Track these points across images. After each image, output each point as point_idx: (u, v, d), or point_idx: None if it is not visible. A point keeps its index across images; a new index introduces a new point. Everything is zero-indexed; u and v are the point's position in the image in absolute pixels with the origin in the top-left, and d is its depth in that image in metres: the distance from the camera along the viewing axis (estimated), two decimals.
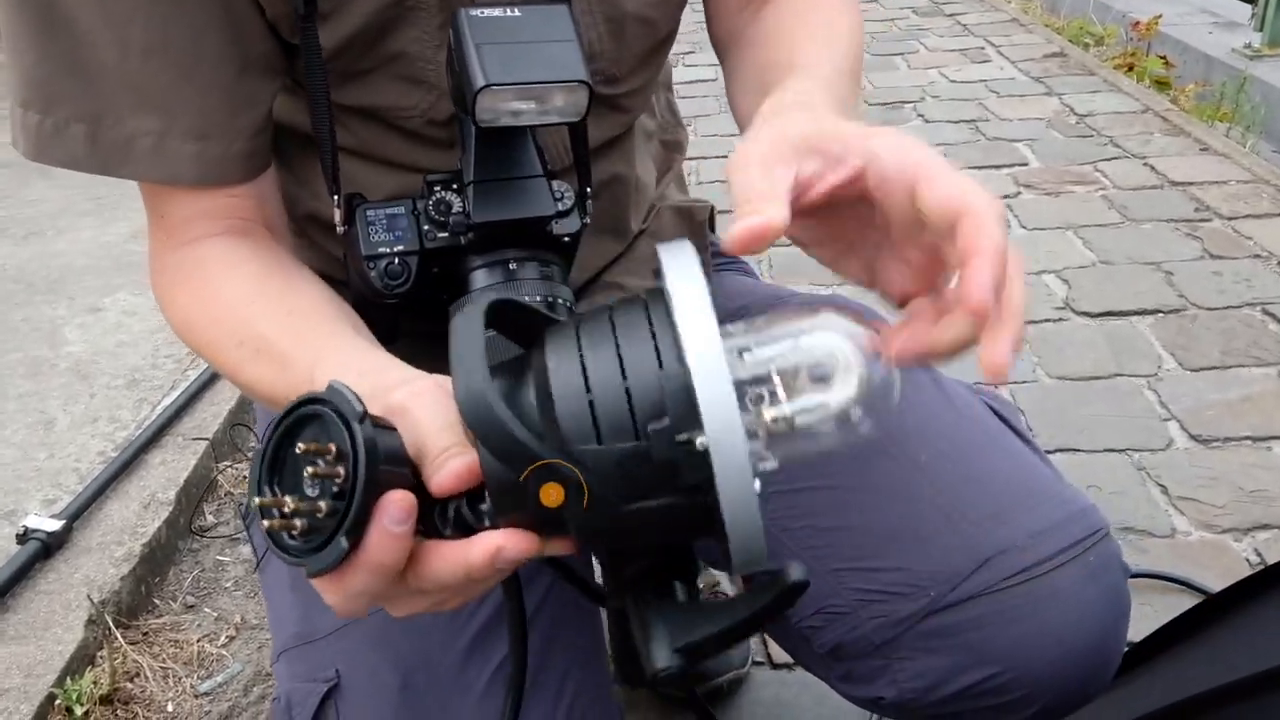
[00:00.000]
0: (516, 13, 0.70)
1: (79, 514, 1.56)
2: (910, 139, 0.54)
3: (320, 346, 0.69)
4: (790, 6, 0.86)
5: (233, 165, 0.75)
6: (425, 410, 0.55)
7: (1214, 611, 0.92)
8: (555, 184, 0.78)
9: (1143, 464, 1.59)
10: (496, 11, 0.69)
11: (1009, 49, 3.83)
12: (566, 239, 0.79)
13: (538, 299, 0.77)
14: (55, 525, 1.51)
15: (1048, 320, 2.02)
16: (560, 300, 0.78)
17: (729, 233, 0.51)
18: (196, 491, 1.71)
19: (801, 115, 0.62)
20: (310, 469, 0.50)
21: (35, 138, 0.71)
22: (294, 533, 0.50)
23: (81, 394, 1.89)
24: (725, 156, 3.06)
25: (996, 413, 0.90)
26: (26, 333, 2.12)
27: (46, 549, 1.48)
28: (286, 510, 0.50)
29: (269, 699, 1.34)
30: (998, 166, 2.76)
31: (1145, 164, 2.71)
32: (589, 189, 0.83)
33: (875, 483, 0.81)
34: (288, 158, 0.88)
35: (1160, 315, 2.00)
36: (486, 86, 0.65)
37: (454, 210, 0.77)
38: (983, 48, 3.87)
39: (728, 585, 1.40)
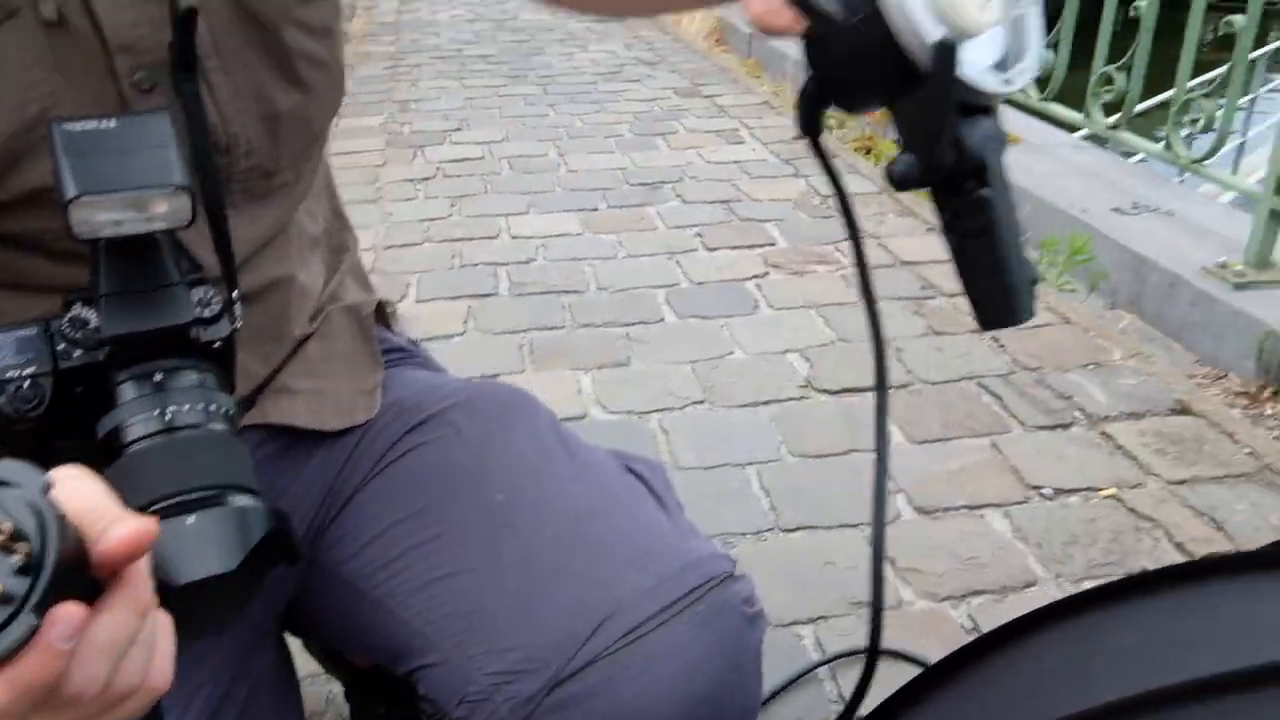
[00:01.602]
0: (111, 124, 0.68)
1: None
2: None
3: None
4: None
5: None
6: (78, 484, 0.50)
7: (926, 685, 0.98)
8: (199, 290, 0.76)
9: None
10: (91, 123, 0.67)
11: (760, 131, 4.02)
12: (217, 344, 0.77)
13: (198, 407, 0.75)
14: None
15: (791, 398, 2.11)
16: (219, 408, 0.76)
17: None
18: None
19: None
20: None
21: None
22: None
23: None
24: (495, 237, 3.04)
25: (637, 474, 0.91)
26: None
27: None
28: None
29: None
30: (750, 246, 2.88)
31: (880, 243, 2.89)
32: (235, 293, 0.80)
33: (502, 561, 0.81)
34: None
35: (891, 390, 2.14)
36: (76, 198, 0.65)
37: (88, 324, 0.74)
38: (737, 129, 4.04)
39: None
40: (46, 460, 0.74)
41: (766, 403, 2.09)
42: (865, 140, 3.82)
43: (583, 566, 0.82)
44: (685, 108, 4.36)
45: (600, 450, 0.93)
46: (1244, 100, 7.25)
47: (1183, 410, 2.03)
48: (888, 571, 1.61)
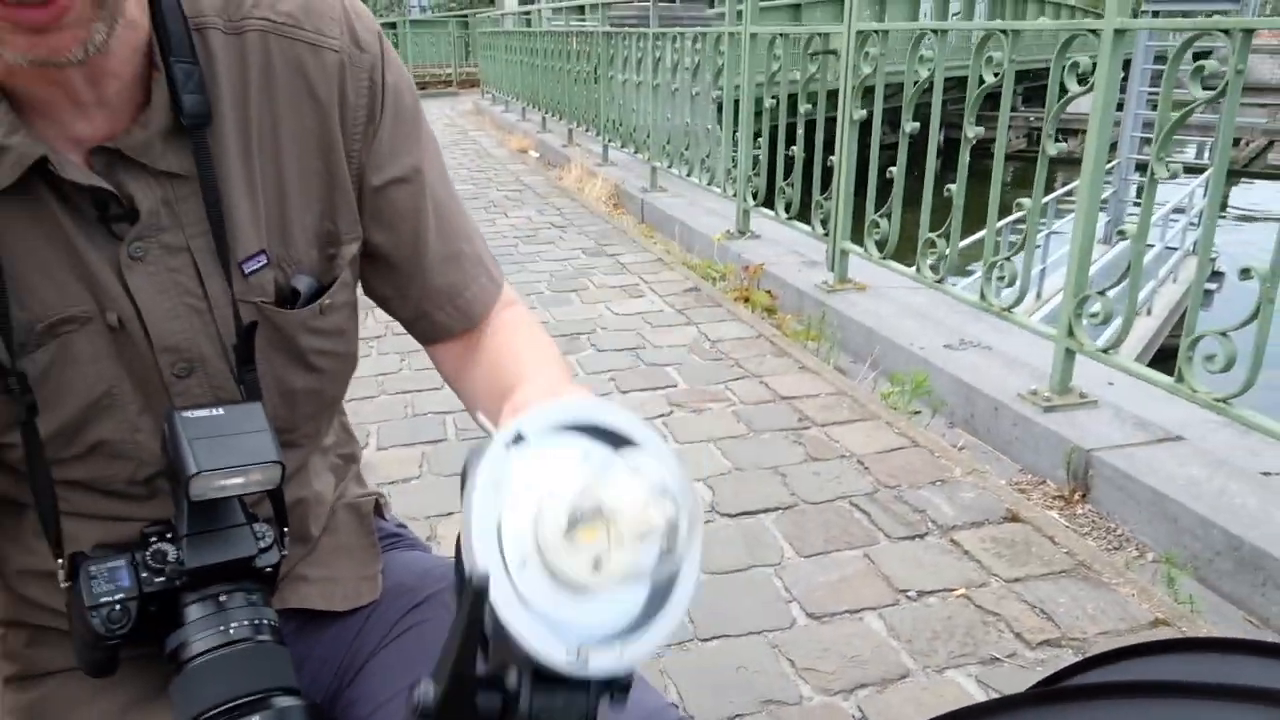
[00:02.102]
0: (220, 411, 0.74)
1: None
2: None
3: None
4: (503, 335, 0.91)
5: None
6: None
7: None
8: (256, 527, 0.80)
9: (775, 642, 1.75)
10: (203, 412, 0.73)
11: (657, 284, 4.17)
12: (269, 569, 0.81)
13: (250, 622, 0.78)
14: None
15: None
16: (265, 621, 0.79)
17: None
18: None
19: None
20: None
21: None
22: None
23: None
24: (440, 388, 3.01)
25: None
26: None
27: None
28: None
29: None
30: (655, 388, 2.97)
31: (761, 382, 3.01)
32: (285, 528, 0.85)
33: None
34: None
35: (780, 511, 2.21)
36: (197, 474, 0.70)
37: (169, 558, 0.77)
38: (638, 284, 4.19)
39: None
40: (113, 668, 0.78)
41: None
42: (744, 291, 3.99)
43: None
44: (593, 266, 4.50)
45: None
46: (1041, 236, 7.79)
47: (1012, 518, 2.17)
48: (789, 669, 1.68)
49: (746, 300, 3.89)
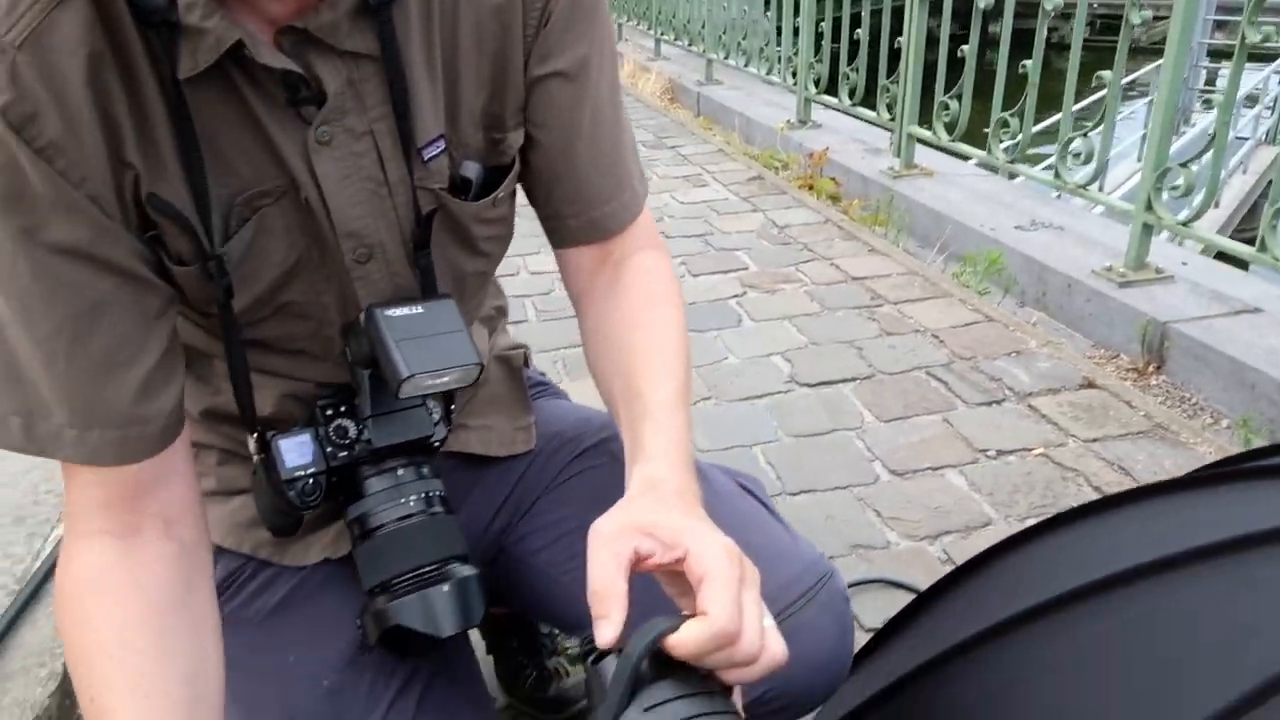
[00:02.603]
0: (419, 309, 0.74)
1: (4, 634, 1.49)
2: (714, 545, 0.62)
3: None
4: (636, 299, 0.87)
5: (152, 442, 0.72)
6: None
7: (921, 604, 1.08)
8: (432, 405, 0.84)
9: (860, 496, 1.83)
10: (403, 310, 0.74)
11: (720, 174, 4.16)
12: (437, 444, 0.86)
13: (423, 495, 0.82)
14: None
15: (779, 392, 2.25)
16: (436, 494, 0.83)
17: (597, 632, 0.60)
18: None
19: (651, 504, 0.69)
20: None
21: None
22: None
23: None
24: (516, 274, 3.06)
25: (746, 489, 0.97)
26: None
27: None
28: None
29: None
30: (725, 271, 3.01)
31: (831, 264, 3.04)
32: (452, 407, 0.89)
33: None
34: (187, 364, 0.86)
35: (858, 381, 2.27)
36: (409, 377, 0.71)
37: (349, 434, 0.80)
38: (700, 174, 4.18)
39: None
40: (297, 528, 0.84)
41: (760, 396, 2.23)
42: (807, 179, 3.98)
43: None
44: (654, 158, 4.48)
45: (717, 469, 0.97)
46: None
47: (1089, 385, 2.21)
48: (875, 519, 1.77)
49: (811, 188, 3.88)
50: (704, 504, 0.89)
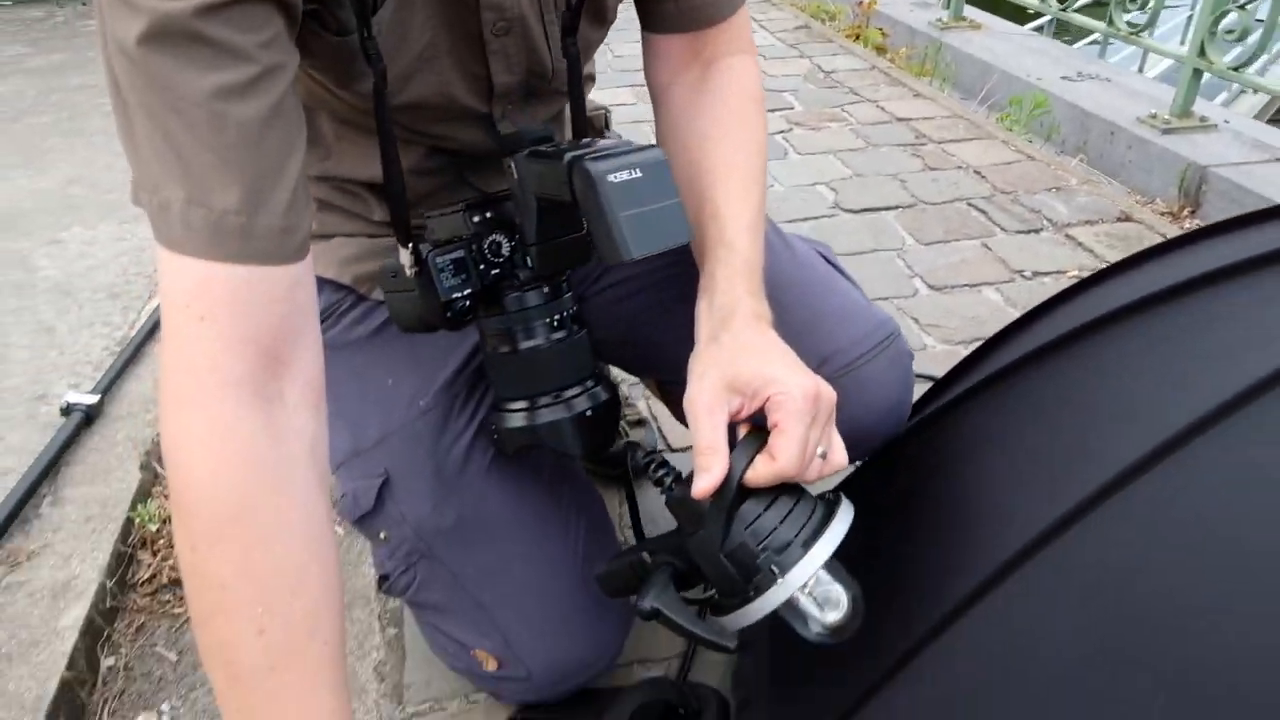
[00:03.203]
0: (638, 174, 0.65)
1: (109, 389, 1.62)
2: (790, 393, 0.67)
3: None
4: (720, 111, 0.85)
5: (301, 249, 0.65)
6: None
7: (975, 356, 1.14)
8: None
9: (901, 307, 1.91)
10: (624, 175, 0.64)
11: (766, 22, 4.11)
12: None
13: (563, 315, 0.82)
14: (92, 399, 1.56)
15: (824, 216, 2.30)
16: (570, 312, 0.83)
17: (697, 482, 0.68)
18: None
19: (734, 353, 0.72)
20: None
21: (133, 191, 0.63)
22: None
23: (70, 306, 1.91)
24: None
25: (824, 257, 1.02)
26: None
27: (88, 418, 1.55)
28: None
29: None
30: (772, 110, 3.02)
31: (877, 106, 3.04)
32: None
33: None
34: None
35: (900, 209, 2.32)
36: (630, 259, 0.64)
37: (502, 251, 0.78)
38: None
39: None
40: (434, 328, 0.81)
41: (804, 219, 2.30)
42: (854, 29, 3.93)
43: (812, 321, 0.90)
44: None
45: (799, 239, 1.01)
46: None
47: (1126, 219, 2.25)
48: (913, 325, 1.85)
49: (858, 38, 3.84)
50: (789, 273, 0.95)
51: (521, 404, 0.82)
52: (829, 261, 1.02)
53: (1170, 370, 0.79)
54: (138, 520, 1.38)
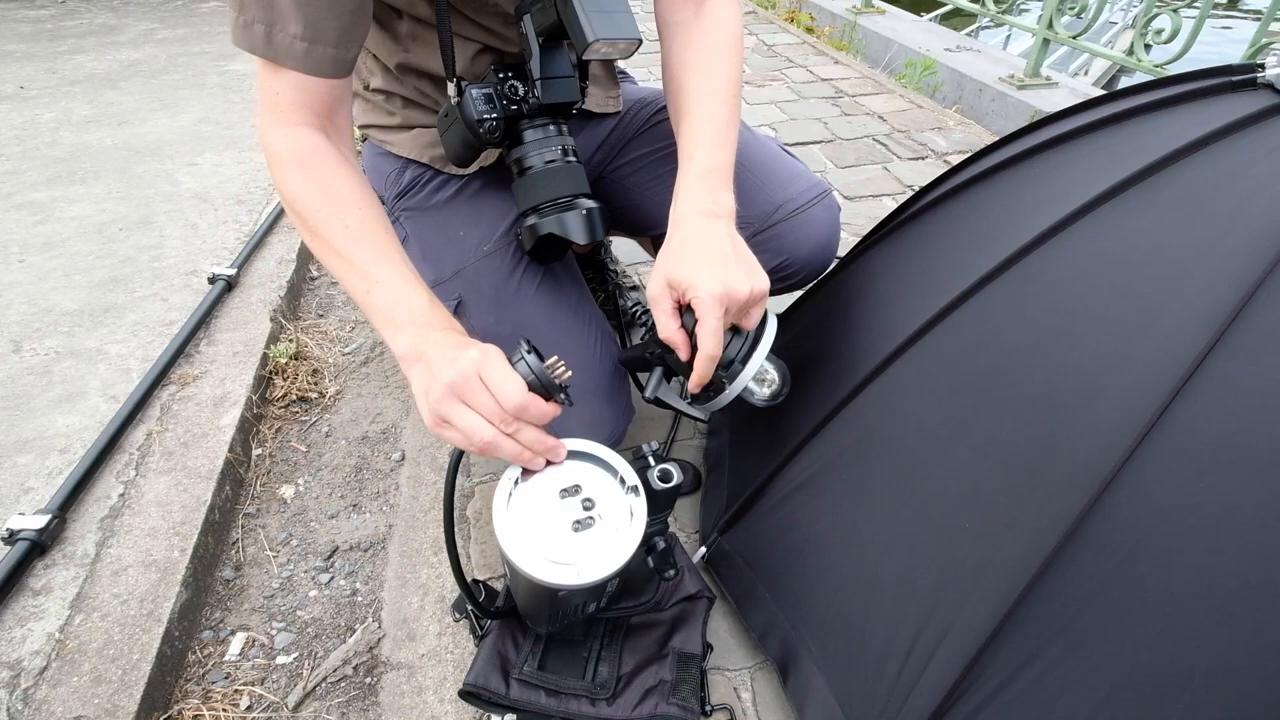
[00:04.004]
0: None
1: (242, 265, 1.61)
2: (705, 294, 0.66)
3: (388, 271, 0.67)
4: (699, 42, 0.80)
5: (349, 66, 0.71)
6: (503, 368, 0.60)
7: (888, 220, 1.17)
8: (576, 77, 0.80)
9: None
10: None
11: None
12: (575, 111, 0.84)
13: (562, 147, 0.80)
14: (231, 272, 1.55)
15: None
16: (571, 147, 0.82)
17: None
18: None
19: (675, 255, 0.69)
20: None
21: (233, 29, 0.68)
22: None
23: (207, 209, 1.87)
24: None
25: (779, 145, 1.01)
26: (150, 178, 2.02)
27: (229, 286, 1.53)
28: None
29: (385, 353, 1.47)
30: None
31: (807, 70, 2.94)
32: (585, 83, 0.86)
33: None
34: (383, 25, 0.84)
35: (823, 143, 2.26)
36: (595, 41, 0.67)
37: (519, 92, 0.77)
38: None
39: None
40: (469, 163, 0.81)
41: None
42: (790, 13, 3.78)
43: (768, 178, 0.93)
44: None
45: (759, 133, 1.00)
46: None
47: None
48: None
49: (792, 20, 3.69)
50: (753, 147, 0.94)
51: (531, 211, 0.81)
52: (781, 147, 1.02)
53: (1011, 211, 0.80)
54: (271, 355, 1.39)
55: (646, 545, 0.69)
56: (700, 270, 0.68)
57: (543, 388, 0.60)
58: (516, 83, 0.77)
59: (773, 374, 0.73)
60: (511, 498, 0.62)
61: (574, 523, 0.62)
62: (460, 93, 0.77)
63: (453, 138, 0.80)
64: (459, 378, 0.59)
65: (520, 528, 0.60)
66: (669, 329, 0.71)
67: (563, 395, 0.62)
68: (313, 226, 0.68)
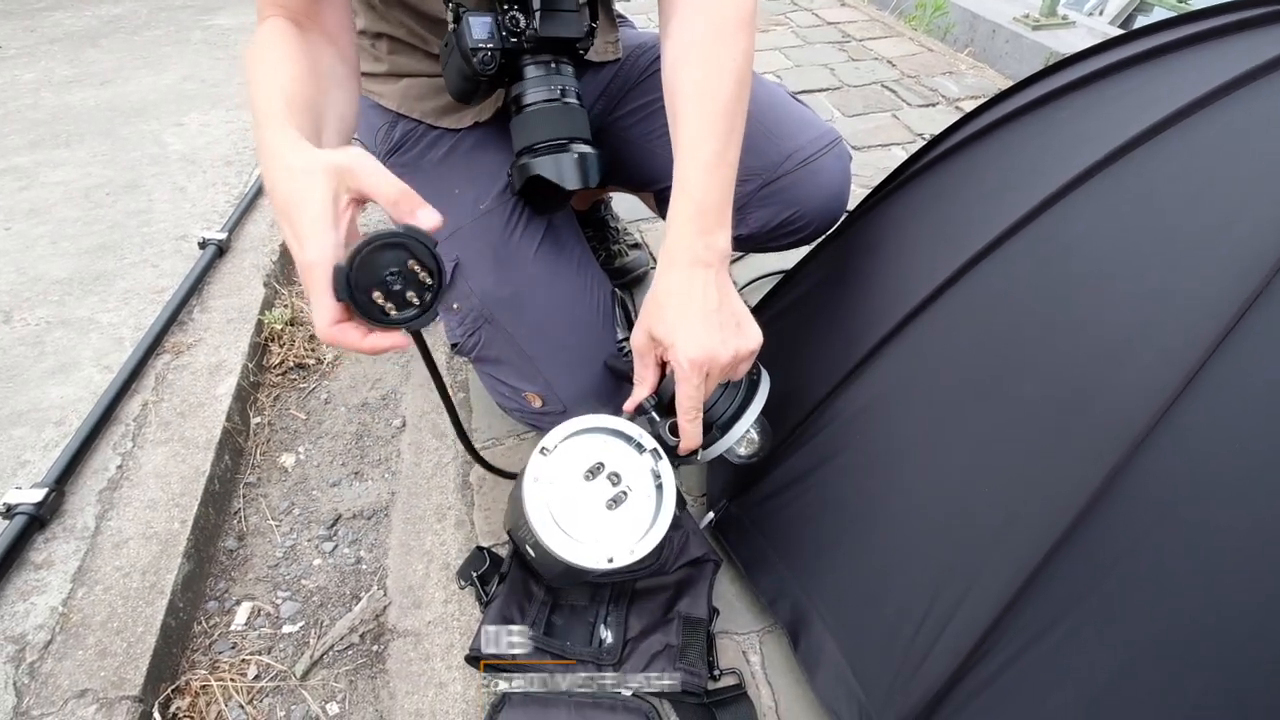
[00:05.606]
0: None
1: (233, 229, 1.57)
2: (683, 359, 0.64)
3: (280, 132, 0.58)
4: (699, 29, 0.71)
5: None
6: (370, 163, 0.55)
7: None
8: (584, 14, 0.77)
9: None
10: None
11: None
12: (581, 51, 0.80)
13: (562, 87, 0.77)
14: (222, 236, 1.52)
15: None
16: (573, 88, 0.78)
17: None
18: None
19: (660, 304, 0.66)
20: (396, 272, 0.51)
21: None
22: (386, 310, 0.52)
23: (195, 172, 1.82)
24: None
25: (789, 93, 0.99)
26: (136, 140, 1.97)
27: (220, 251, 1.50)
28: (377, 299, 0.51)
29: None
30: None
31: (813, 14, 2.85)
32: (598, 20, 0.83)
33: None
34: None
35: (830, 90, 2.20)
36: None
37: (520, 25, 0.74)
38: None
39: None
40: (469, 99, 0.77)
41: None
42: None
43: (779, 126, 0.91)
44: None
45: (770, 81, 0.98)
46: None
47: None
48: None
49: None
50: (763, 96, 0.90)
51: (526, 150, 0.78)
52: (793, 96, 0.99)
53: (1037, 158, 0.76)
54: (266, 322, 1.37)
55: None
56: (679, 329, 0.65)
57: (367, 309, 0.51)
58: (519, 14, 0.74)
59: (754, 436, 0.70)
60: (548, 505, 0.62)
61: (608, 501, 0.62)
62: (457, 19, 0.74)
63: (451, 69, 0.76)
64: (300, 271, 0.54)
65: (565, 530, 0.61)
66: (650, 385, 0.70)
67: (398, 322, 0.51)
68: (256, 120, 0.61)
